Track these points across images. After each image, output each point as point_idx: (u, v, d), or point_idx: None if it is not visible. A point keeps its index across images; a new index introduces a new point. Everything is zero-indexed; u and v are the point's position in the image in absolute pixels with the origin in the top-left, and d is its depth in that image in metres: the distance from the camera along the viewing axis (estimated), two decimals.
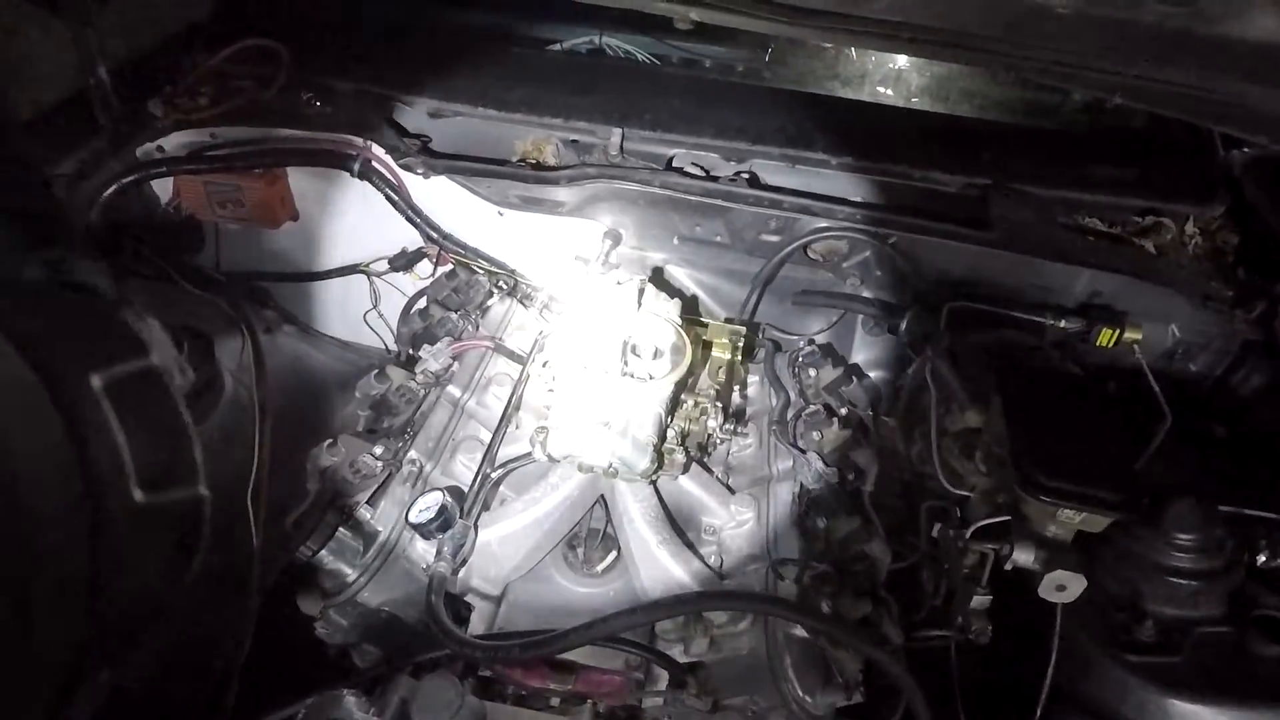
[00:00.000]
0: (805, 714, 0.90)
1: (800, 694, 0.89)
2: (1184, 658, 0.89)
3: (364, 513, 0.98)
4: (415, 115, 1.43)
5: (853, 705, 0.97)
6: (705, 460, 1.15)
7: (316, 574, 0.98)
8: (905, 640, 1.00)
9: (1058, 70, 1.06)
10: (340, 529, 0.97)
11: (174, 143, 1.35)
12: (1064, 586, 0.91)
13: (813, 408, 1.16)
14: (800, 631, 0.92)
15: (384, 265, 1.52)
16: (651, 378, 1.03)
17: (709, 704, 0.92)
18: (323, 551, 0.94)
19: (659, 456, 1.00)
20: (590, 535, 1.11)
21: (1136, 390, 1.21)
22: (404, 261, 1.49)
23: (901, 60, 1.45)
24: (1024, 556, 0.93)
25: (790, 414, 1.16)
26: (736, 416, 1.21)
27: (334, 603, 0.96)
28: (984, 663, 1.07)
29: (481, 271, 1.42)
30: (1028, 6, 0.78)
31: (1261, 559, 0.95)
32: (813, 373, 1.28)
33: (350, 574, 0.95)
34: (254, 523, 1.06)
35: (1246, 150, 1.44)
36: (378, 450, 1.02)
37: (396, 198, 1.39)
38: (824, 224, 1.27)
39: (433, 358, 1.16)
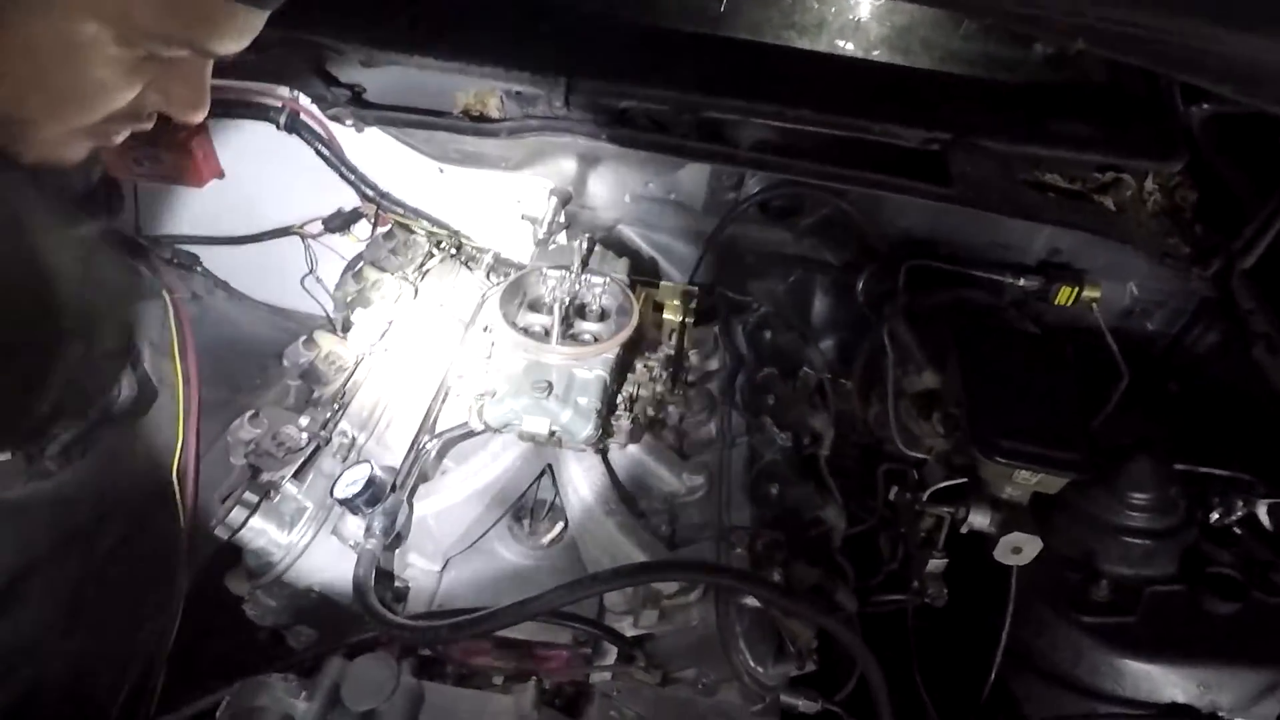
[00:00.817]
0: (758, 685, 0.87)
1: (752, 665, 0.86)
2: (1137, 617, 0.88)
3: (290, 488, 0.92)
4: (347, 65, 1.33)
5: (807, 674, 0.95)
6: (656, 427, 1.11)
7: (241, 554, 0.92)
8: (862, 606, 0.98)
9: (1021, 13, 1.02)
10: (261, 506, 0.90)
11: None
12: (1020, 549, 0.89)
13: (767, 370, 1.12)
14: (752, 601, 0.89)
15: (318, 227, 1.43)
16: (596, 340, 0.98)
17: (658, 677, 0.88)
18: (243, 530, 0.88)
19: (605, 424, 0.95)
20: (537, 506, 1.06)
21: (1094, 349, 1.20)
22: (339, 222, 1.41)
23: (862, 9, 1.39)
24: (980, 519, 0.91)
25: (743, 378, 1.12)
26: (688, 382, 1.16)
27: (260, 583, 0.90)
28: (941, 626, 1.05)
29: (422, 232, 1.35)
30: None
31: (1215, 516, 0.95)
32: (767, 335, 1.24)
33: (276, 553, 0.89)
34: (180, 501, 1.00)
35: (1206, 106, 1.42)
36: (304, 421, 0.95)
37: (327, 152, 1.31)
38: (779, 178, 1.22)
39: (367, 321, 1.09)
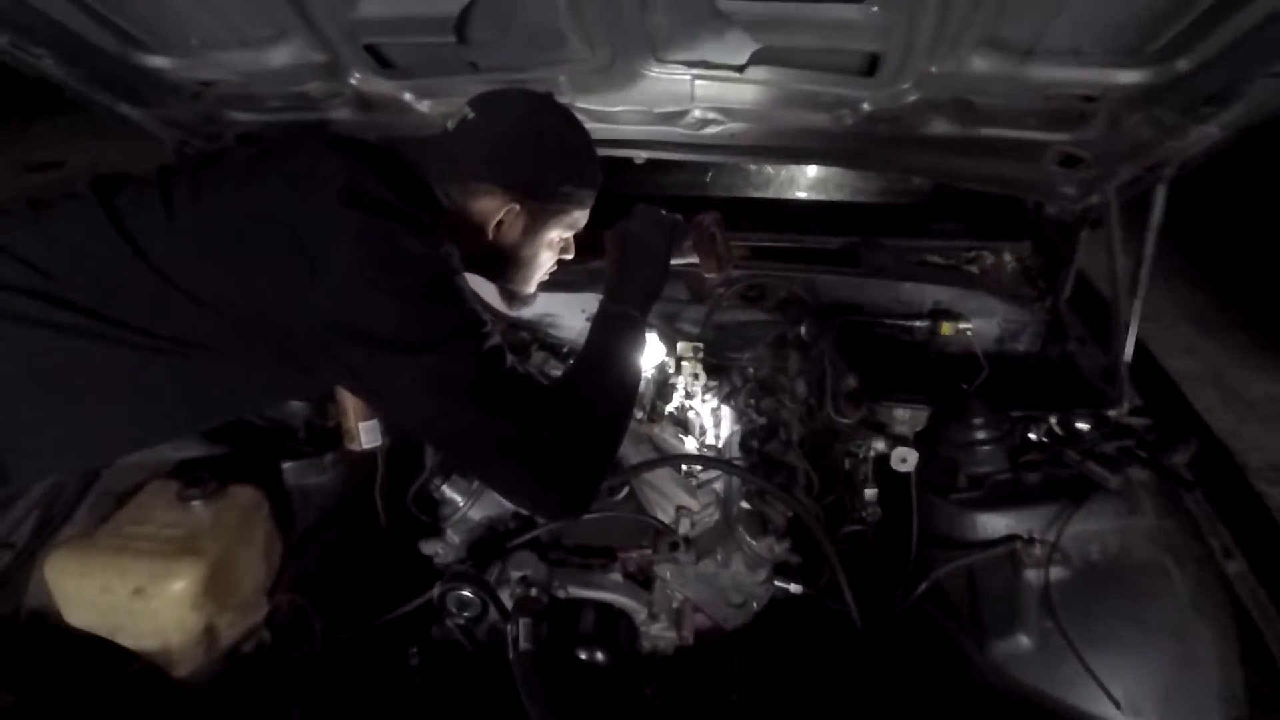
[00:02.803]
0: (753, 554, 1.42)
1: (747, 539, 1.42)
2: (984, 492, 1.43)
3: None
4: None
5: (793, 564, 1.49)
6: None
7: (438, 506, 1.53)
8: (833, 542, 1.52)
9: (875, 165, 1.76)
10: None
11: None
12: (905, 459, 1.47)
13: (752, 385, 1.75)
14: (746, 504, 1.46)
15: None
16: None
17: (694, 558, 1.44)
18: (444, 485, 1.49)
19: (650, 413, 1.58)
20: None
21: (973, 363, 1.80)
22: None
23: (793, 169, 2.16)
24: (879, 445, 1.50)
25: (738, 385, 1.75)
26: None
27: (449, 523, 1.50)
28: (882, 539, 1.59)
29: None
30: (812, 131, 1.46)
31: (1032, 436, 1.50)
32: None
33: (461, 500, 1.50)
34: (381, 511, 1.64)
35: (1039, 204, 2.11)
36: None
37: None
38: (750, 276, 1.91)
39: None
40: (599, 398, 1.18)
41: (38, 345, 1.04)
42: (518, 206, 1.25)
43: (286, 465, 1.52)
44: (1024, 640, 1.30)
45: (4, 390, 1.05)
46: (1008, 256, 2.05)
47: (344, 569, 1.61)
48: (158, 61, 1.42)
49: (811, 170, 2.17)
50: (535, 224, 1.30)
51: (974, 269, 2.00)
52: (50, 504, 1.44)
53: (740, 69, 1.32)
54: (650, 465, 1.46)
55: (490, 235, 1.27)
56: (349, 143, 1.19)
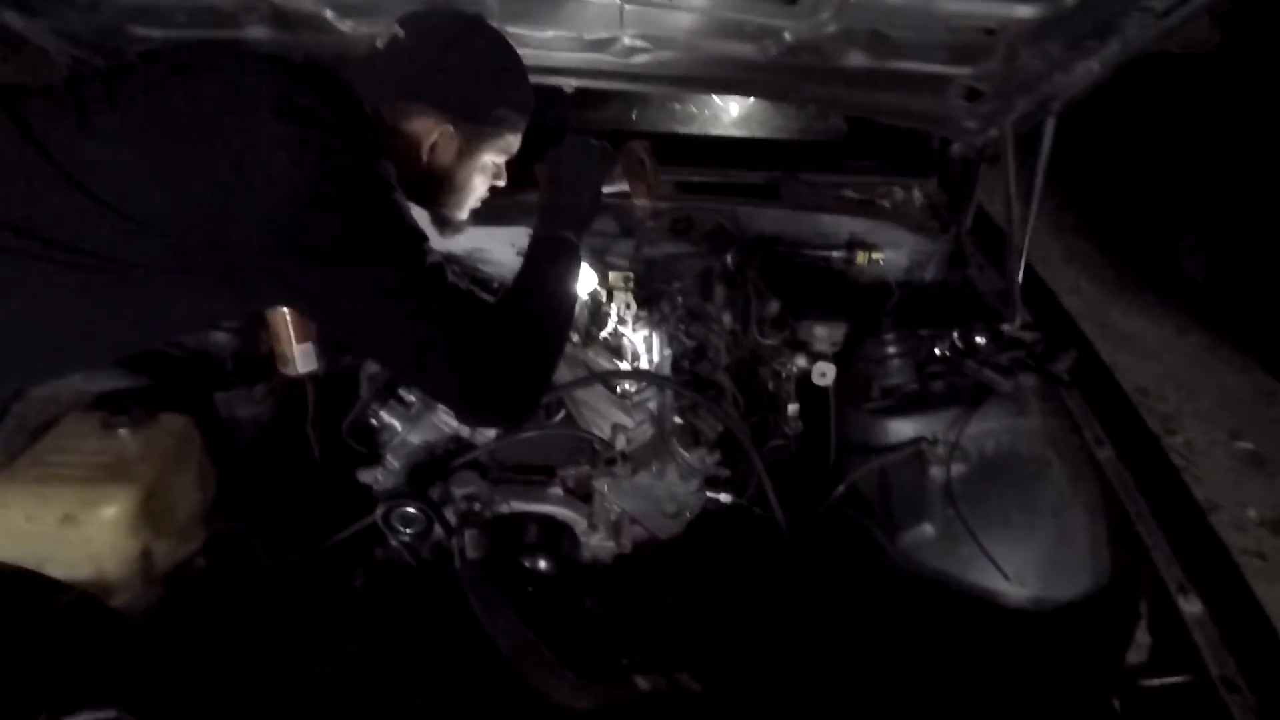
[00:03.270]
0: (686, 465, 1.51)
1: (680, 451, 1.51)
2: (894, 401, 1.56)
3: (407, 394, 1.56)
4: None
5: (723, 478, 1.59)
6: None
7: (376, 433, 1.54)
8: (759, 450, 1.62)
9: (795, 97, 1.83)
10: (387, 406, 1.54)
11: None
12: (825, 373, 1.58)
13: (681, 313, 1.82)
14: (679, 420, 1.54)
15: None
16: None
17: (630, 469, 1.52)
18: (382, 411, 1.51)
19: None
20: None
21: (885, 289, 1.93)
22: None
23: (717, 106, 2.21)
24: (801, 362, 1.60)
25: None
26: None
27: (390, 446, 1.52)
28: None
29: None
30: (737, 60, 1.51)
31: (938, 351, 1.64)
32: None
33: (399, 425, 1.52)
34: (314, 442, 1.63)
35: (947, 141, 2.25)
36: None
37: None
38: (679, 207, 1.97)
39: None
40: (539, 313, 1.22)
41: None
42: (451, 128, 1.25)
43: (217, 395, 1.50)
44: (928, 529, 1.45)
45: None
46: (916, 192, 2.19)
47: (279, 500, 1.60)
48: None
49: (735, 108, 2.23)
50: (469, 147, 1.30)
51: (885, 204, 2.12)
52: None
53: None
54: (588, 380, 1.52)
55: (424, 157, 1.27)
56: (275, 57, 1.16)
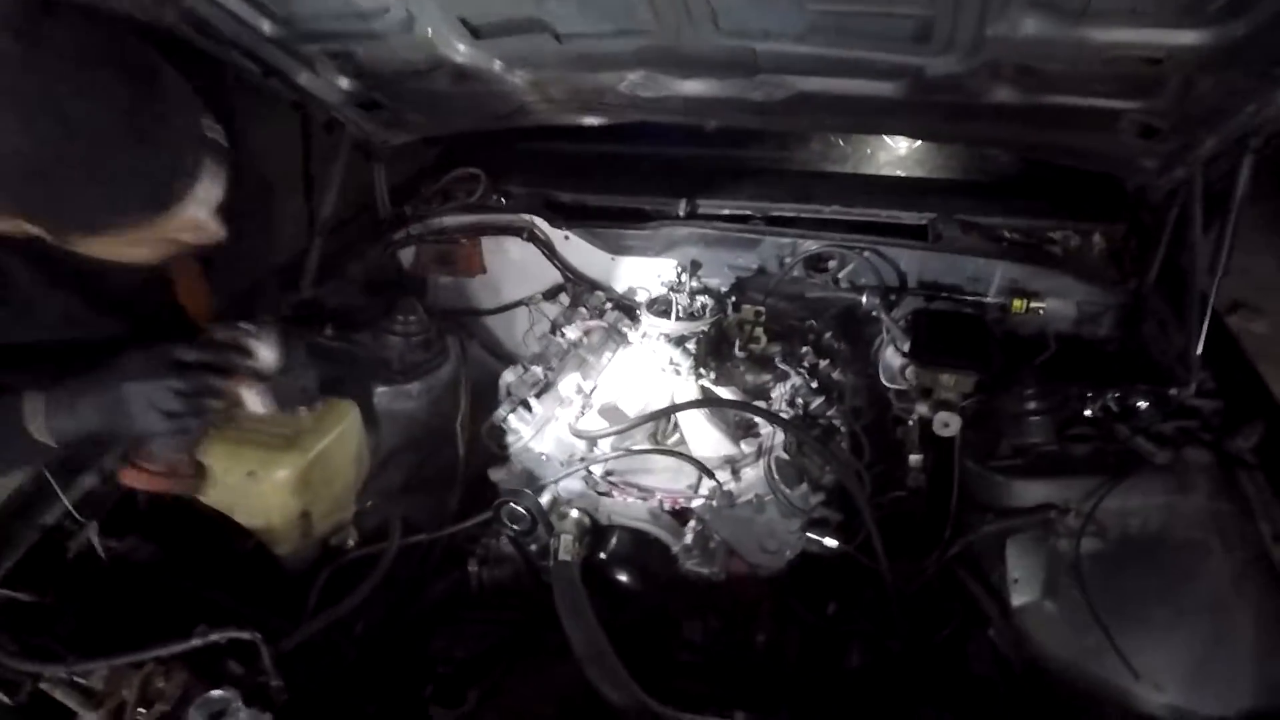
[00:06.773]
0: (787, 502, 1.49)
1: (782, 487, 1.49)
2: (1025, 461, 1.42)
3: (535, 405, 1.70)
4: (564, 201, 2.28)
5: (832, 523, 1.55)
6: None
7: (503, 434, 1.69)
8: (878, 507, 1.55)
9: (946, 136, 1.76)
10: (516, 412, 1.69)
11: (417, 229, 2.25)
12: (948, 424, 1.48)
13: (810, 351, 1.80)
14: (785, 455, 1.53)
15: (539, 298, 2.32)
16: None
17: (730, 500, 1.52)
18: (510, 417, 1.66)
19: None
20: None
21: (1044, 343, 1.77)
22: (551, 294, 2.29)
23: (873, 144, 2.17)
24: (923, 409, 1.52)
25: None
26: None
27: (514, 449, 1.66)
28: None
29: (600, 295, 2.19)
30: (875, 99, 1.50)
31: (1088, 412, 1.47)
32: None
33: (524, 431, 1.66)
34: (459, 440, 1.82)
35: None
36: (538, 369, 1.76)
37: (547, 252, 2.21)
38: (815, 245, 1.95)
39: (570, 329, 1.90)
40: None
41: None
42: None
43: (379, 390, 1.73)
44: (1049, 606, 1.30)
45: None
46: (1097, 237, 1.98)
47: (422, 487, 1.81)
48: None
49: (894, 147, 2.17)
50: None
51: (1056, 249, 1.94)
52: None
53: (798, 37, 1.38)
54: (696, 405, 1.56)
55: None
56: None
